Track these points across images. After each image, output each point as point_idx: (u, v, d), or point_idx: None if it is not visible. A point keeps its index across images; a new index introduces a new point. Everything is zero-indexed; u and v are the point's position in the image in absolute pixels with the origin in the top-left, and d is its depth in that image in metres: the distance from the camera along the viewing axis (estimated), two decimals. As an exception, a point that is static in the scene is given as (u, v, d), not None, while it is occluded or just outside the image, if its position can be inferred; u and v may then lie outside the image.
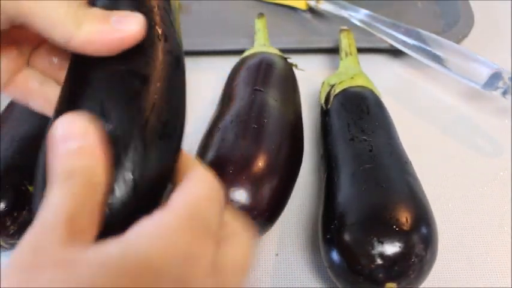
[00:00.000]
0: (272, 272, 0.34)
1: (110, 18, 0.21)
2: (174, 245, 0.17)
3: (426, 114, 0.45)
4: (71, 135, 0.19)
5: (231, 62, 0.43)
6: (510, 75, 0.41)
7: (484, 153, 0.42)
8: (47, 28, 0.21)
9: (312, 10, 0.54)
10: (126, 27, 0.21)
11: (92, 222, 0.18)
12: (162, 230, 0.18)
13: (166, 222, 0.18)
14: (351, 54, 0.45)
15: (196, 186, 0.20)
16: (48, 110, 0.25)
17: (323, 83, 0.43)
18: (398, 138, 0.36)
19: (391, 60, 0.50)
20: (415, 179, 0.33)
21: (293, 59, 0.43)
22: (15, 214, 0.31)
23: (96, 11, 0.21)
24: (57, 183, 0.18)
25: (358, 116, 0.37)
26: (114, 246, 0.17)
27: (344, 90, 0.40)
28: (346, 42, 0.45)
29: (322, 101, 0.41)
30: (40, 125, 0.35)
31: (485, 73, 0.41)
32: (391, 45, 0.47)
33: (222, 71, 0.43)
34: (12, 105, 0.37)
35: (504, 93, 0.41)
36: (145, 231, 0.18)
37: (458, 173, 0.40)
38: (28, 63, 0.26)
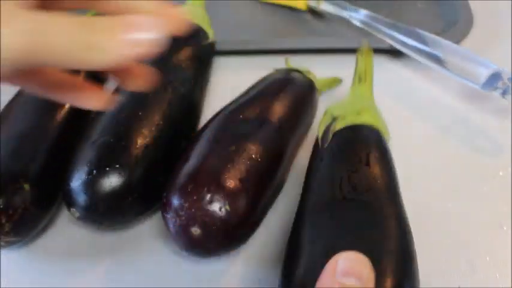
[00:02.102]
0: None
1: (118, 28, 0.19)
2: None
3: (426, 114, 0.45)
4: (353, 272, 0.21)
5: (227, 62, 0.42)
6: (510, 76, 0.41)
7: (484, 153, 0.42)
8: (59, 63, 0.19)
9: (312, 11, 0.54)
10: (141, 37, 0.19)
11: None
12: None
13: None
14: (365, 81, 0.38)
15: None
16: None
17: (326, 111, 0.36)
18: (399, 195, 0.30)
19: (391, 61, 0.50)
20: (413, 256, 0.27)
21: (293, 59, 0.43)
22: (11, 212, 0.31)
23: (102, 22, 0.19)
24: None
25: (353, 167, 0.30)
26: None
27: (344, 129, 0.33)
28: (362, 66, 0.39)
29: (320, 134, 0.35)
30: (37, 125, 0.35)
31: (484, 73, 0.41)
32: (391, 46, 0.48)
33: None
34: (10, 104, 0.37)
35: (504, 93, 0.41)
36: None
37: (458, 173, 0.40)
38: None
